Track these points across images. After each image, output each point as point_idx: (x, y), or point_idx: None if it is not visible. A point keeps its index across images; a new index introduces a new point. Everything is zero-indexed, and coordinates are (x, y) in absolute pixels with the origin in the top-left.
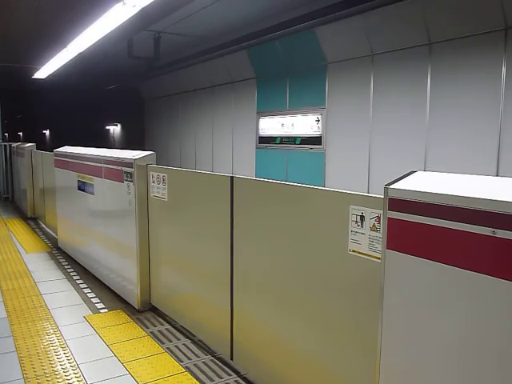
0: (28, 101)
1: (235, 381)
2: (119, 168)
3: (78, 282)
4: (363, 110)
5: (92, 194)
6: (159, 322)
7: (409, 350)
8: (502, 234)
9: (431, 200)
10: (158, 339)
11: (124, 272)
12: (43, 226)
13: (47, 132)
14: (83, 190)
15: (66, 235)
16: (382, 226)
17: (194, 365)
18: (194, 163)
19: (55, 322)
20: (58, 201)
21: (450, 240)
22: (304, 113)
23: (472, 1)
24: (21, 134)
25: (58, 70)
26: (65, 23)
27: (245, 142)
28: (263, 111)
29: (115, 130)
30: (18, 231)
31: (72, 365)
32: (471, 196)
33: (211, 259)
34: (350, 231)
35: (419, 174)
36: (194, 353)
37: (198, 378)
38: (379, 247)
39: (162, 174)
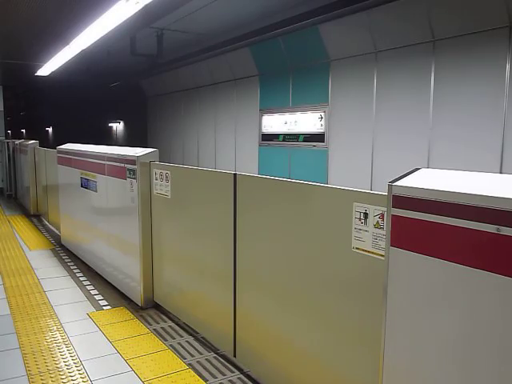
0: (31, 98)
1: (238, 378)
2: (122, 165)
3: (81, 279)
4: (366, 107)
5: (95, 191)
6: (162, 319)
7: (412, 348)
8: (506, 231)
9: (435, 197)
10: (161, 336)
11: (127, 269)
12: (46, 223)
13: (50, 129)
14: (86, 187)
15: (69, 232)
16: (386, 224)
17: (197, 362)
18: (197, 160)
19: (58, 319)
20: (60, 198)
21: (454, 237)
22: (307, 110)
23: None
24: (24, 131)
25: (60, 67)
26: (67, 20)
27: (247, 139)
28: (266, 108)
29: (118, 127)
30: (21, 228)
31: (75, 361)
32: (476, 193)
33: (214, 256)
34: (353, 228)
35: (423, 171)
36: (197, 350)
37: (200, 375)
38: (383, 244)
39: (165, 172)
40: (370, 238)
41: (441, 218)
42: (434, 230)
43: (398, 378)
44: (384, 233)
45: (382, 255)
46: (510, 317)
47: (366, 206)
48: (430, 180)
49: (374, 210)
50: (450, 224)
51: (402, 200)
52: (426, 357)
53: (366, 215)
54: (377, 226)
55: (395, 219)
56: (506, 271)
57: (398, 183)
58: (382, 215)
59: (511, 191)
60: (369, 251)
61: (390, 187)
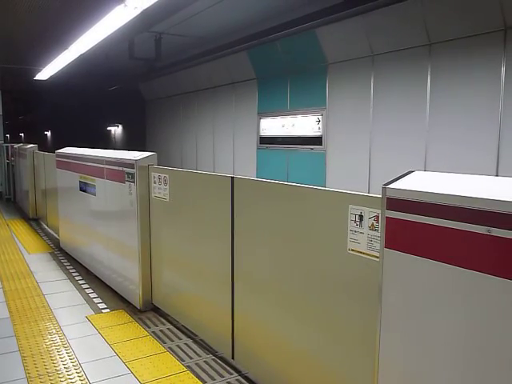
0: (30, 102)
1: (236, 379)
2: (121, 169)
3: (80, 282)
4: (363, 110)
5: (94, 194)
6: (161, 321)
7: (407, 349)
8: (496, 232)
9: (428, 199)
10: (160, 339)
11: (126, 272)
12: (45, 226)
13: (49, 133)
14: (85, 191)
15: (68, 236)
16: (381, 226)
17: (196, 364)
18: (195, 164)
19: (57, 322)
20: (59, 202)
21: (446, 238)
22: (305, 113)
23: (471, 1)
24: (22, 135)
25: (59, 71)
26: (66, 25)
27: (246, 142)
28: (264, 112)
29: (116, 130)
30: (20, 232)
31: (74, 364)
32: (467, 195)
33: (212, 259)
34: (349, 230)
35: (417, 173)
36: (195, 352)
37: (199, 377)
38: (378, 246)
39: (163, 175)
40: (366, 239)
41: (433, 220)
42: (426, 231)
43: (393, 378)
44: (379, 235)
45: (377, 257)
46: (503, 317)
47: (361, 208)
48: (423, 182)
49: (369, 212)
50: (442, 225)
51: (395, 202)
52: (420, 357)
53: (361, 217)
54: (372, 227)
55: (389, 221)
56: (497, 272)
57: (391, 186)
58: (377, 217)
59: (502, 193)
60: (364, 253)
61: (384, 190)
